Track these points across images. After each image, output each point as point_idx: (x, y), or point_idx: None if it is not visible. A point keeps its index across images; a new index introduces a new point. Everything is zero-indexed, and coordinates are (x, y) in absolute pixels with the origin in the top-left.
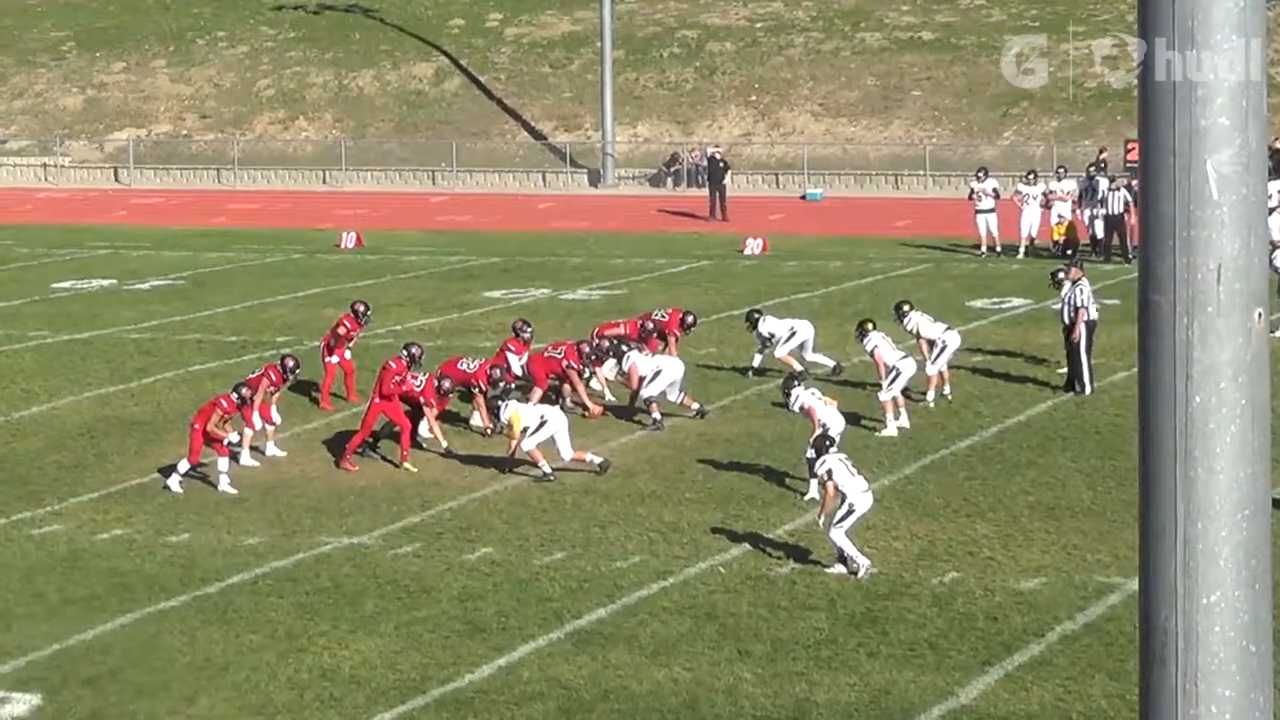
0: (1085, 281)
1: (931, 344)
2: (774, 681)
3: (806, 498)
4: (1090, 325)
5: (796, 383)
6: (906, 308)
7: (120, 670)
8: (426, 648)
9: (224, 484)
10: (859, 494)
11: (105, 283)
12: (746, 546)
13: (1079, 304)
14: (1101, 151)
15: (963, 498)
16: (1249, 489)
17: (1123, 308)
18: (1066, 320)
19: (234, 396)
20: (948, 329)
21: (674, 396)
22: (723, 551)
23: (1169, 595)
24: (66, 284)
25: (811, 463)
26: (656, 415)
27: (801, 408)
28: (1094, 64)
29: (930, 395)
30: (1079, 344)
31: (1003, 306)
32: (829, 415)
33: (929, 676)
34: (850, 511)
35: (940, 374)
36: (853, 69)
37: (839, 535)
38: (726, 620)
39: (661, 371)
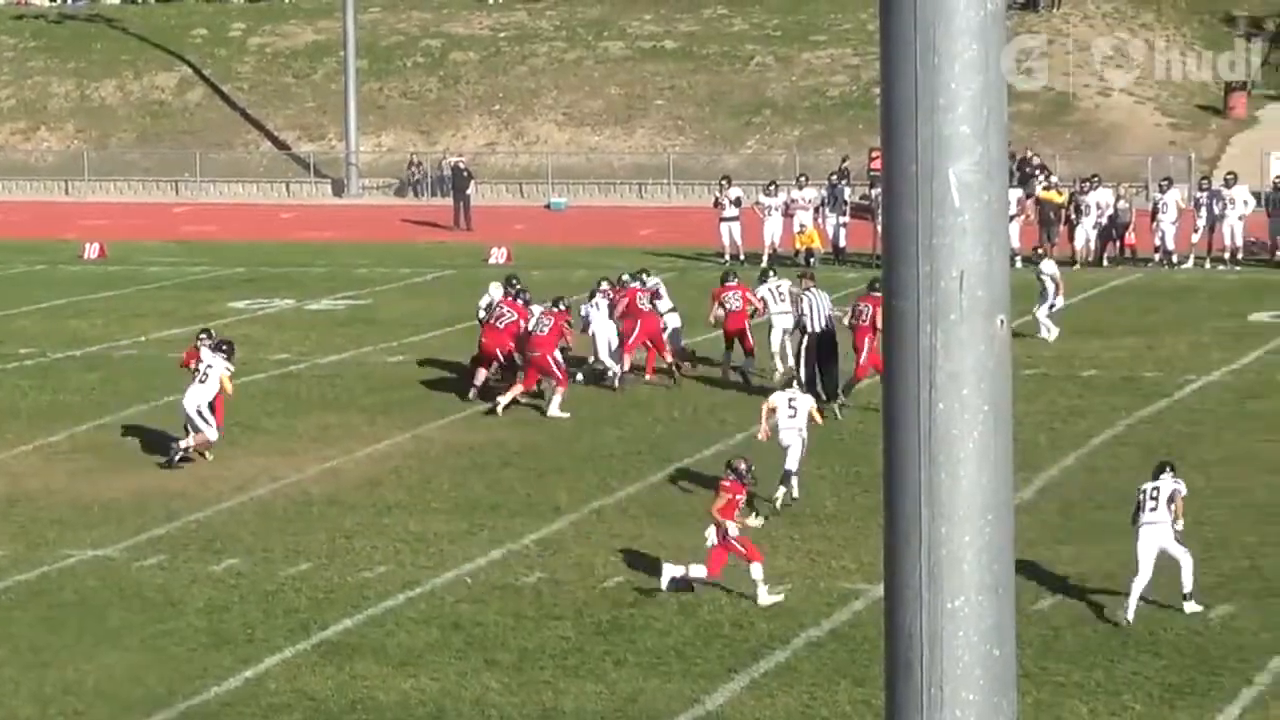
0: (814, 290)
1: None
2: (521, 691)
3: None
4: (820, 335)
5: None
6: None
7: None
8: (173, 661)
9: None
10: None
11: None
12: (493, 556)
13: (802, 312)
14: (844, 160)
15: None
16: (992, 494)
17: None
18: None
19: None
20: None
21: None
22: (469, 561)
23: (914, 600)
24: None
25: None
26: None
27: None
28: (835, 73)
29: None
30: (800, 353)
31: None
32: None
33: (676, 684)
34: None
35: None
36: (596, 78)
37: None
38: (473, 630)
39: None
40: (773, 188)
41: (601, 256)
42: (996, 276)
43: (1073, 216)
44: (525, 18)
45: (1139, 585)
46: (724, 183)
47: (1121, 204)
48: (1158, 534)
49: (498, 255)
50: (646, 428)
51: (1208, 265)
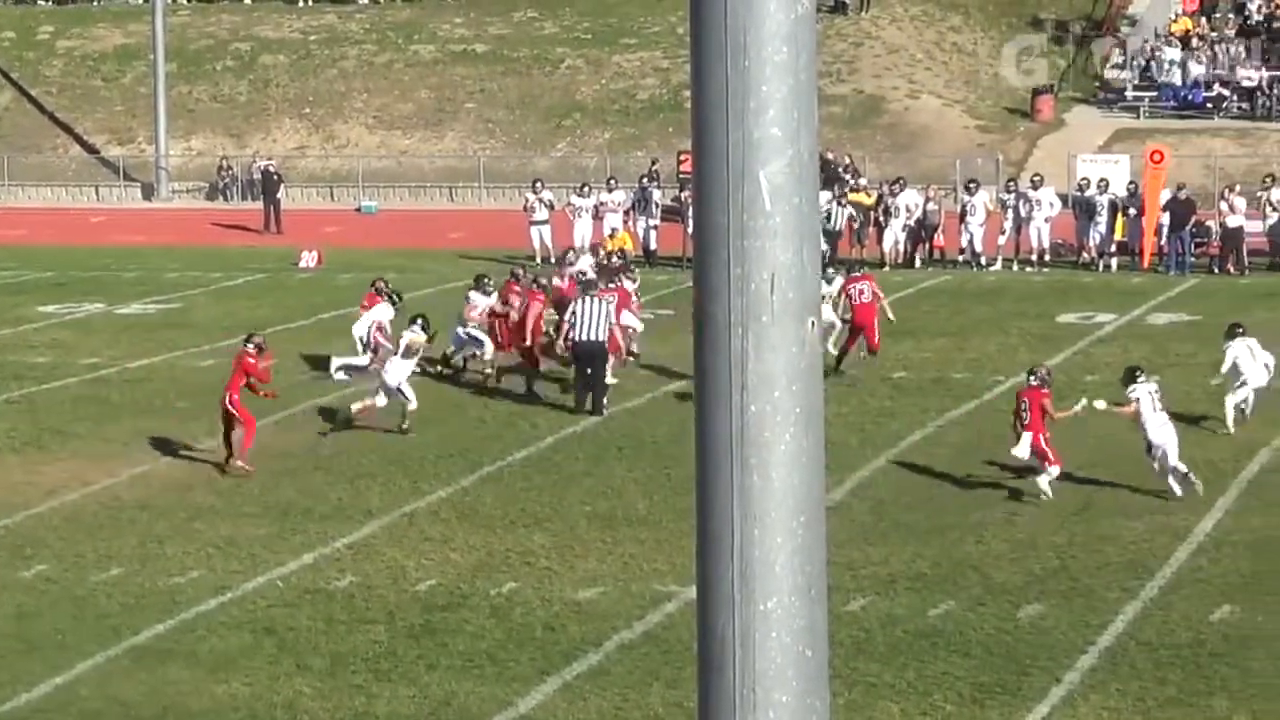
0: (593, 299)
1: None
2: (333, 695)
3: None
4: (584, 346)
5: None
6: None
7: None
8: None
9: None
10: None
11: None
12: (304, 560)
13: (572, 315)
14: (654, 163)
15: (520, 508)
16: (804, 496)
17: (677, 318)
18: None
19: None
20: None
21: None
22: (281, 565)
23: (726, 602)
24: None
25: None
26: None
27: None
28: (645, 75)
29: None
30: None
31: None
32: None
33: (488, 687)
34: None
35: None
36: (406, 81)
37: None
38: (285, 635)
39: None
40: (585, 189)
41: (413, 259)
42: (808, 278)
43: (881, 219)
44: (335, 20)
45: (1174, 464)
46: (535, 186)
47: (930, 206)
48: (1170, 429)
49: (308, 259)
50: (458, 431)
51: (1015, 267)
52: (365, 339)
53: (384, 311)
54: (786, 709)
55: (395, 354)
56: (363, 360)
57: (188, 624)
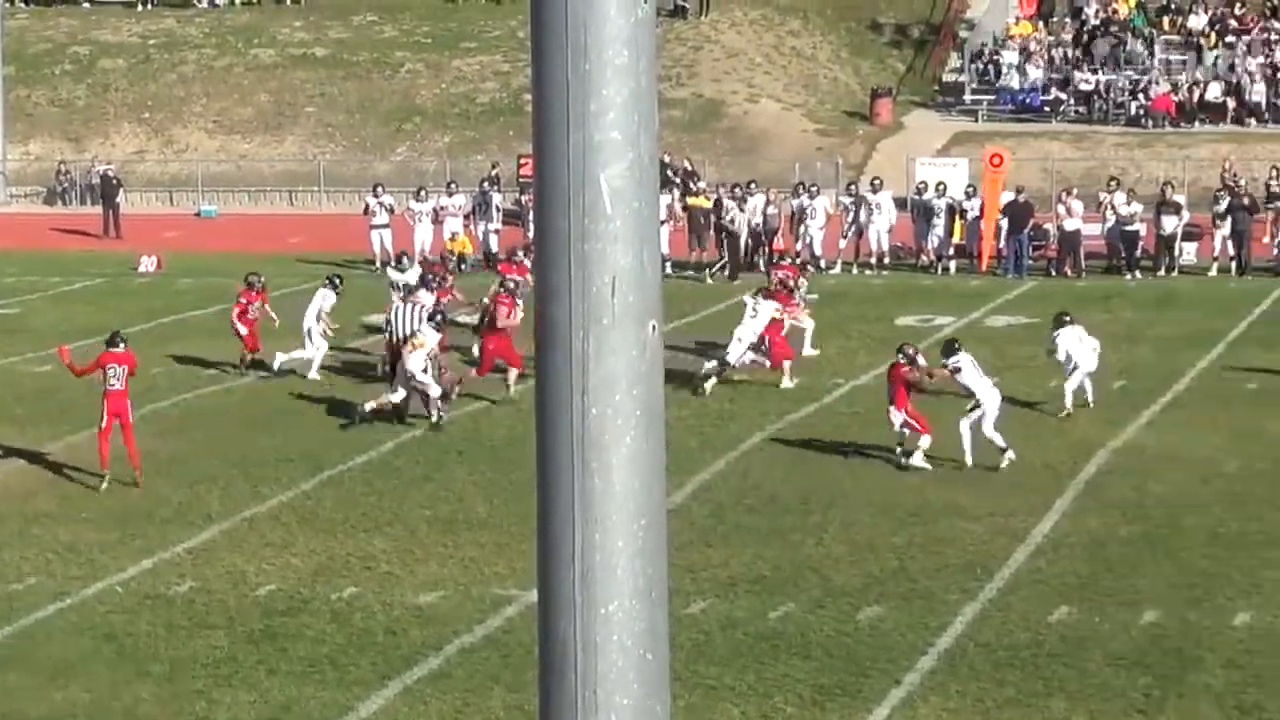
0: (406, 304)
1: None
2: (174, 701)
3: None
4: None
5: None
6: None
7: None
8: None
9: None
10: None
11: None
12: (144, 565)
13: (388, 321)
14: (494, 167)
15: (360, 513)
16: (645, 499)
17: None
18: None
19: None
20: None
21: None
22: (120, 571)
23: (567, 606)
24: None
25: None
26: None
27: None
28: (485, 79)
29: None
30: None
31: None
32: None
33: (329, 692)
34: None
35: None
36: (246, 85)
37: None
38: (125, 640)
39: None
40: (423, 193)
41: (253, 265)
42: (648, 282)
43: (724, 222)
44: (174, 25)
45: (990, 432)
46: (376, 190)
47: (770, 210)
48: (996, 393)
49: (148, 263)
50: (298, 435)
51: (855, 270)
52: (316, 329)
53: (326, 299)
54: (628, 712)
55: (409, 354)
56: (309, 352)
57: (26, 630)
